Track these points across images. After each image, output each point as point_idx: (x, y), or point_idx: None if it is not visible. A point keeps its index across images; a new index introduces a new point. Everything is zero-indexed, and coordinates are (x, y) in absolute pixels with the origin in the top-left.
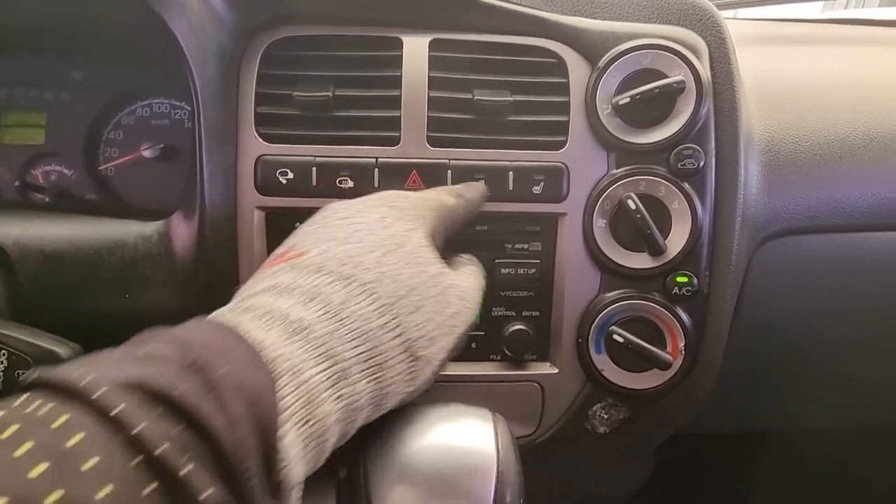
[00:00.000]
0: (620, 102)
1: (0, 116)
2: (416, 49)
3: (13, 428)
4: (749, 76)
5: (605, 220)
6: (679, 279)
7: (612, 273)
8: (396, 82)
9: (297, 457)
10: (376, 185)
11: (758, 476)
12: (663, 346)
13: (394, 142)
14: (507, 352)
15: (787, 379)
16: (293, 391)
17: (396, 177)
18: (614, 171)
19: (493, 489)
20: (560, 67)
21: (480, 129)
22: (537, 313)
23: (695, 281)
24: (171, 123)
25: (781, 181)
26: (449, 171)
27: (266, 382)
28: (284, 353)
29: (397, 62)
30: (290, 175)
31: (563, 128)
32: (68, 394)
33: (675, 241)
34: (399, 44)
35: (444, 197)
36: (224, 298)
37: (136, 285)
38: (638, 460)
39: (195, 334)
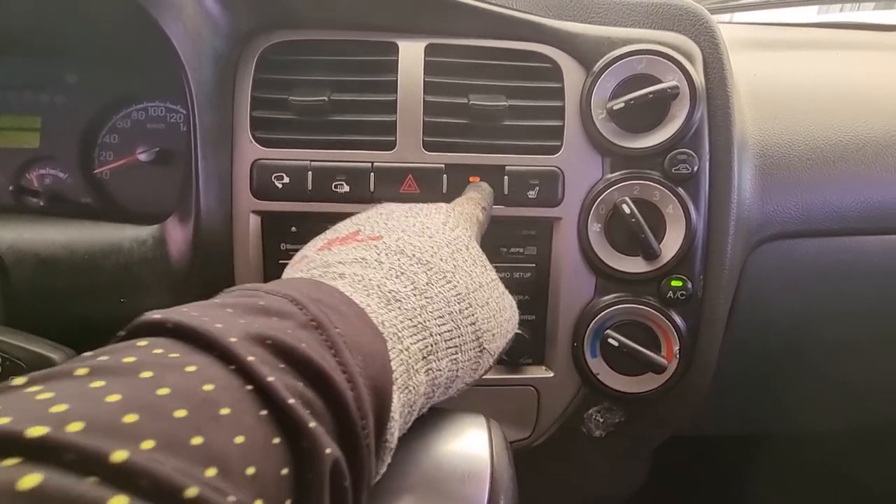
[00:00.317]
0: (615, 107)
1: None
2: (411, 54)
3: (150, 372)
4: (743, 81)
5: (600, 225)
6: (674, 283)
7: (607, 277)
8: (392, 87)
9: (397, 421)
10: (372, 189)
11: (753, 478)
12: (658, 350)
13: (390, 146)
14: (503, 356)
15: (782, 381)
16: (397, 356)
17: (392, 181)
18: (609, 175)
19: (486, 495)
20: (555, 72)
21: (476, 133)
22: (533, 317)
23: (689, 285)
24: (166, 127)
25: (775, 185)
26: (444, 176)
27: (379, 344)
28: (388, 319)
29: (393, 67)
30: (286, 179)
31: (558, 132)
32: (194, 340)
33: (670, 246)
34: (395, 48)
35: (477, 212)
36: None
37: (131, 289)
38: (634, 463)
39: (304, 291)
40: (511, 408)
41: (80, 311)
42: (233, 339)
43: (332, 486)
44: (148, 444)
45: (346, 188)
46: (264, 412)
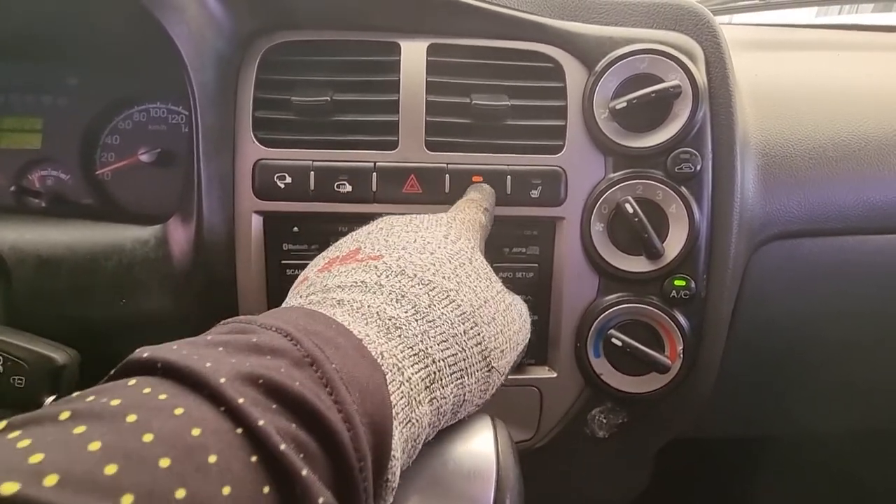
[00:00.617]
0: (617, 107)
1: None
2: (414, 54)
3: (135, 415)
4: (745, 81)
5: (602, 224)
6: (677, 282)
7: (609, 277)
8: (394, 87)
9: (399, 458)
10: (374, 189)
11: (756, 481)
12: (661, 350)
13: (392, 146)
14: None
15: (784, 382)
16: (397, 389)
17: (394, 181)
18: (612, 175)
19: (492, 493)
20: (557, 72)
21: (478, 133)
22: (535, 317)
23: (692, 284)
24: (168, 128)
25: (777, 184)
26: (447, 176)
27: (378, 378)
28: (387, 350)
29: (395, 67)
30: (288, 179)
31: (560, 132)
32: (184, 379)
33: (673, 245)
34: (397, 48)
35: (480, 215)
36: (221, 303)
37: (132, 290)
38: (637, 465)
39: (300, 323)
40: (514, 408)
41: (82, 312)
42: (223, 380)
43: None
44: (127, 500)
45: (349, 188)
46: (254, 458)
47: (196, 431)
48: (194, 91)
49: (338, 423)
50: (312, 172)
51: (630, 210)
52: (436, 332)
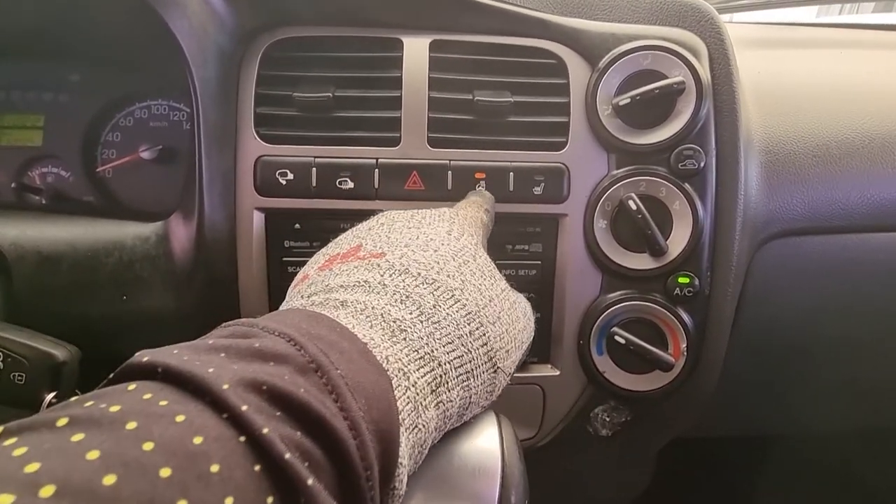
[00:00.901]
0: (621, 103)
1: None
2: (416, 50)
3: (135, 422)
4: (748, 78)
5: (605, 221)
6: (680, 280)
7: (613, 274)
8: (397, 83)
9: (406, 465)
10: (376, 185)
11: (759, 479)
12: (665, 348)
13: (394, 142)
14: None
15: (787, 380)
16: (403, 394)
17: (396, 178)
18: (615, 171)
19: (497, 490)
20: (560, 68)
21: (481, 129)
22: (538, 315)
23: (696, 282)
24: (169, 125)
25: (781, 182)
26: (449, 172)
27: (384, 384)
28: (392, 354)
29: (398, 63)
30: (290, 176)
31: (563, 129)
32: (185, 385)
33: (676, 242)
34: (399, 45)
35: (481, 214)
36: (223, 300)
37: (133, 287)
38: (639, 463)
39: (303, 327)
40: (516, 407)
41: (83, 308)
42: (226, 387)
43: None
44: None
45: (351, 184)
46: (258, 467)
47: (198, 439)
48: (196, 87)
49: (343, 431)
50: (314, 169)
51: (633, 207)
52: (441, 333)
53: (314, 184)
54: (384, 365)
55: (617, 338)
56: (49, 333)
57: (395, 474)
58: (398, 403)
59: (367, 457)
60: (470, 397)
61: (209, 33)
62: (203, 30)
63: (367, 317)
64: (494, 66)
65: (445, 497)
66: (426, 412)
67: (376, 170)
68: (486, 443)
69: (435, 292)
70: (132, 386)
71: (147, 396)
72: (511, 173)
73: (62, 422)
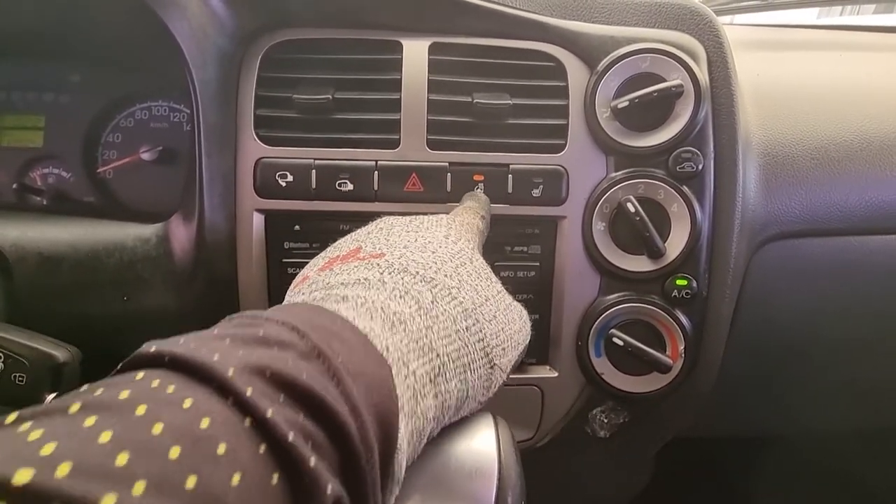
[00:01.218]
0: (619, 106)
1: None
2: (415, 52)
3: (144, 407)
4: (746, 81)
5: (604, 223)
6: (678, 282)
7: (611, 276)
8: (396, 85)
9: (405, 451)
10: (376, 187)
11: (758, 480)
12: (663, 349)
13: (393, 144)
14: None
15: (785, 382)
16: (403, 382)
17: (396, 179)
18: (613, 174)
19: (493, 492)
20: (559, 71)
21: (480, 132)
22: (536, 316)
23: (694, 284)
24: (169, 126)
25: (779, 184)
26: (448, 174)
27: (383, 372)
28: (392, 344)
29: (397, 65)
30: (290, 178)
31: (562, 131)
32: (191, 372)
33: (675, 244)
34: (399, 47)
35: (477, 221)
36: (223, 301)
37: (134, 288)
38: (637, 465)
39: (306, 317)
40: (515, 408)
41: (83, 309)
42: (231, 372)
43: None
44: (139, 488)
45: (350, 186)
46: (263, 448)
47: (205, 423)
48: (196, 88)
49: (345, 415)
50: (314, 171)
51: (632, 209)
52: (439, 327)
53: (314, 185)
54: (384, 354)
55: (615, 339)
56: (50, 334)
57: (394, 458)
58: (398, 391)
59: (367, 440)
60: (467, 391)
61: (209, 35)
62: (203, 31)
63: (368, 310)
64: (493, 69)
65: (442, 498)
66: (425, 401)
67: (376, 172)
68: (483, 444)
69: (433, 290)
70: (140, 374)
71: (155, 383)
72: (510, 175)
73: (74, 407)
